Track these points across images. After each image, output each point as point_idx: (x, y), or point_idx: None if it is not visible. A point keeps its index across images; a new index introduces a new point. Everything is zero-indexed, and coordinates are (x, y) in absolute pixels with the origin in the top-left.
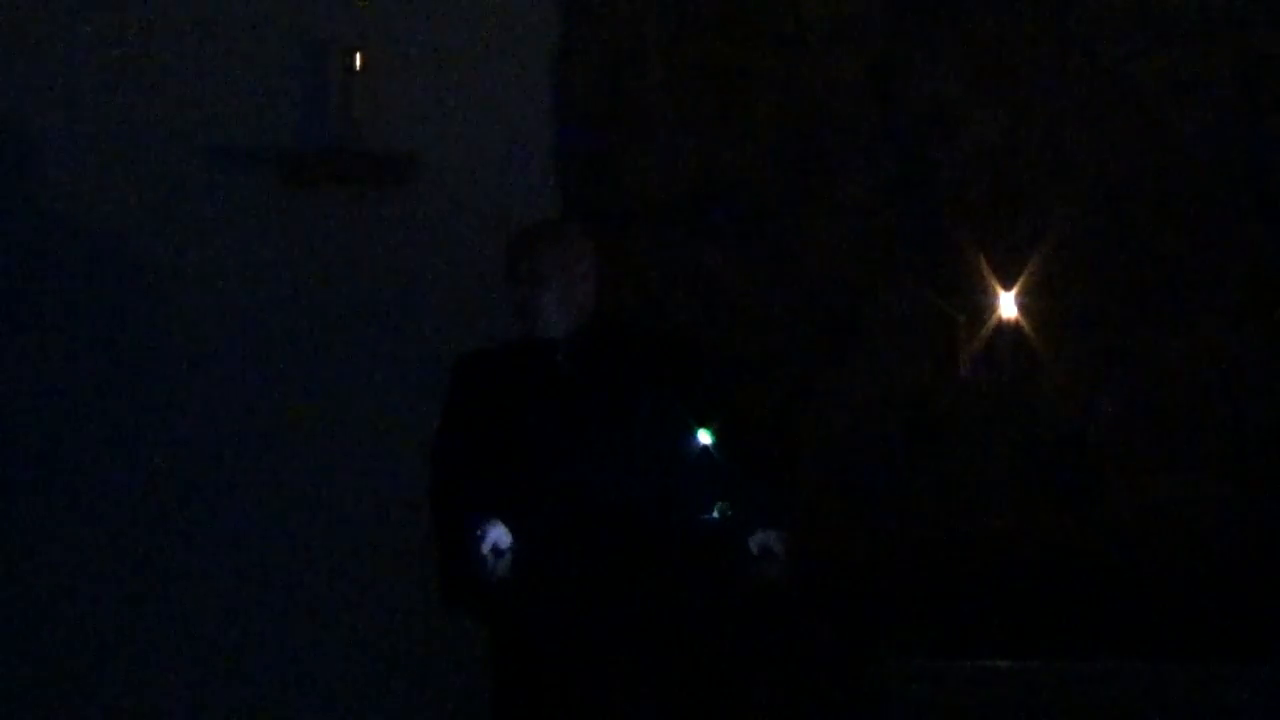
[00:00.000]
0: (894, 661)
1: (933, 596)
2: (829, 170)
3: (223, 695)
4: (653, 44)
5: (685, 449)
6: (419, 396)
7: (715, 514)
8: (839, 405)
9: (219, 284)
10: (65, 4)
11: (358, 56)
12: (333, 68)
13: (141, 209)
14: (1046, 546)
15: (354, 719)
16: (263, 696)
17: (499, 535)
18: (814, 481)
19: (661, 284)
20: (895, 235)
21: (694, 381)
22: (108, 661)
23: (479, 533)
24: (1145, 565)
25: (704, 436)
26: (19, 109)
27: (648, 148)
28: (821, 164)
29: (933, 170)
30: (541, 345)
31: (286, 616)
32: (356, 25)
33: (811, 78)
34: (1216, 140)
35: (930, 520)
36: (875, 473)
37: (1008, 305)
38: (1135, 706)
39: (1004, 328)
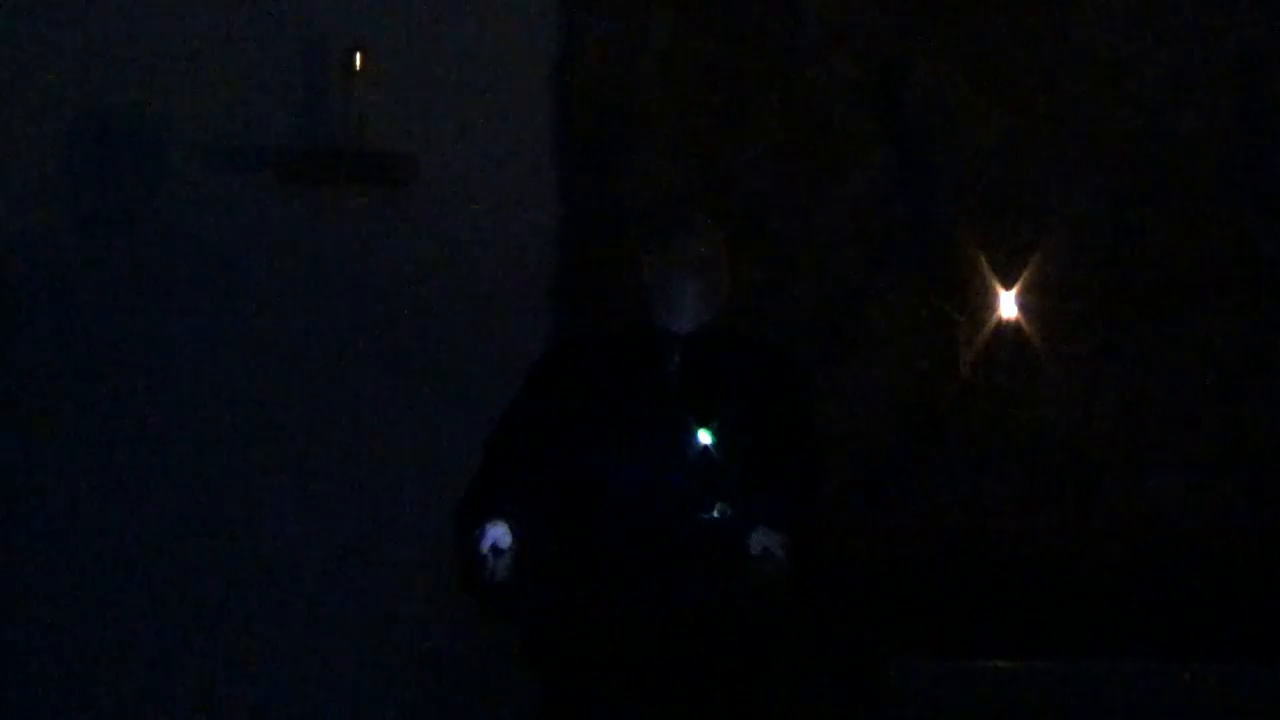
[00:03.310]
0: (894, 661)
1: (933, 596)
2: (829, 170)
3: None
4: (653, 44)
5: (750, 462)
6: (419, 396)
7: (715, 514)
8: (839, 405)
9: (218, 284)
10: (66, 3)
11: (358, 56)
12: (333, 68)
13: (141, 208)
14: (1046, 546)
15: None
16: (278, 703)
17: (499, 535)
18: None
19: None
20: (896, 235)
21: (788, 401)
22: (116, 665)
23: (478, 532)
24: (1145, 565)
25: (704, 436)
26: (19, 108)
27: (648, 148)
28: (821, 164)
29: (933, 170)
30: (655, 338)
31: (282, 622)
32: (356, 25)
33: (811, 78)
34: (1216, 140)
35: (930, 520)
36: (875, 473)
37: (1008, 305)
38: (1135, 706)
39: (1004, 328)
